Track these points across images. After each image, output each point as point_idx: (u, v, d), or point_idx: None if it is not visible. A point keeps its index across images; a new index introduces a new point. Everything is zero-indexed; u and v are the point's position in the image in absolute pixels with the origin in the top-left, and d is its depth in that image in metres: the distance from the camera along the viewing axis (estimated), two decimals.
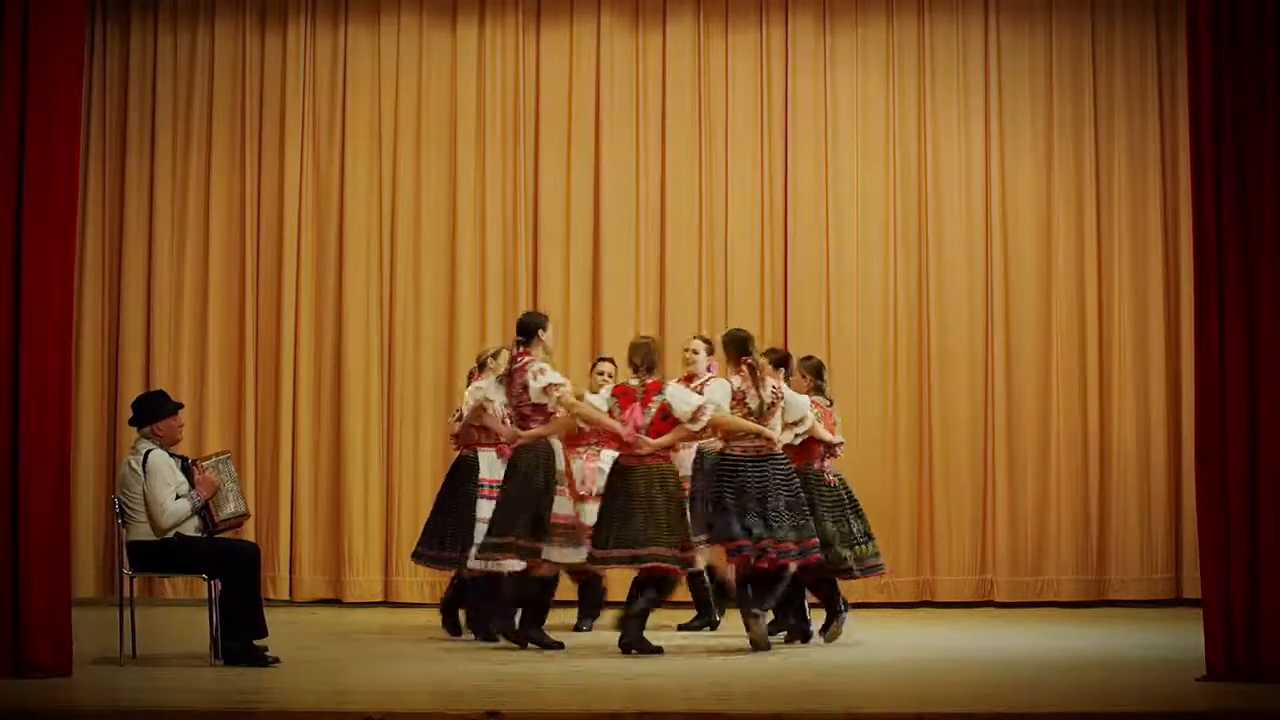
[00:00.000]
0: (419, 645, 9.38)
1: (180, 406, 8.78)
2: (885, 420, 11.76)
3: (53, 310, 7.75)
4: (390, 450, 11.84)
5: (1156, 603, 11.54)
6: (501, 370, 9.43)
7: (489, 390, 9.47)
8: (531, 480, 9.07)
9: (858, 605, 10.14)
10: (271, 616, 8.58)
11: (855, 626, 9.60)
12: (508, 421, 9.29)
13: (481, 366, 9.78)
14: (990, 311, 11.90)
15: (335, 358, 11.91)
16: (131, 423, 8.70)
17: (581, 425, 9.27)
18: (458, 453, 9.77)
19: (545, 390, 9.03)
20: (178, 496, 8.40)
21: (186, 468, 8.55)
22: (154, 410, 8.63)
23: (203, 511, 8.47)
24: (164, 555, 8.42)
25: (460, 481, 9.61)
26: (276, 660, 8.31)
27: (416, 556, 9.80)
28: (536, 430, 9.10)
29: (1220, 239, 7.65)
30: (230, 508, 8.59)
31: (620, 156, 11.99)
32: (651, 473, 8.91)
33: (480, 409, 9.50)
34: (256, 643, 8.34)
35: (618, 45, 12.05)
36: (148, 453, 8.46)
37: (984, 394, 11.85)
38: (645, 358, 9.04)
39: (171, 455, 8.54)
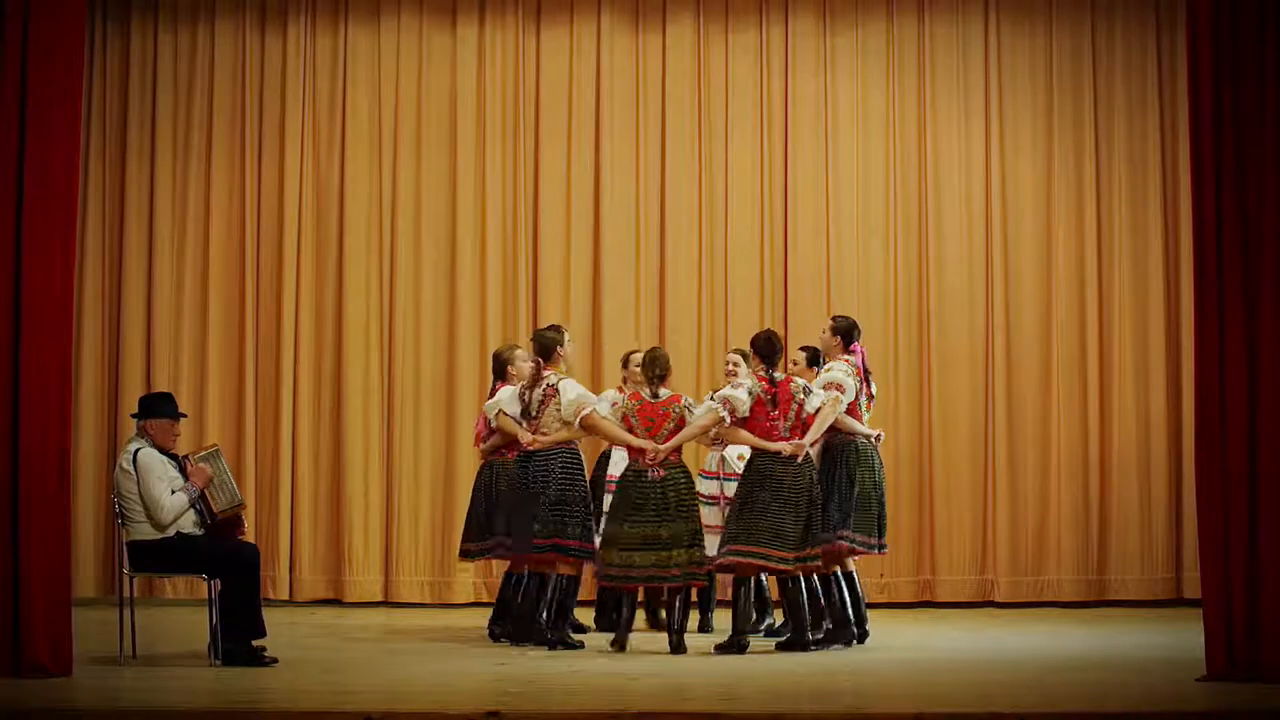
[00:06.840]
0: (419, 645, 9.39)
1: (182, 415, 8.78)
2: (885, 420, 11.70)
3: (53, 310, 7.76)
4: (390, 450, 11.84)
5: (1156, 603, 11.54)
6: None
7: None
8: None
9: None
10: (271, 616, 8.59)
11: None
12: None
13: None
14: (990, 311, 11.89)
15: (335, 358, 11.90)
16: (133, 415, 8.77)
17: None
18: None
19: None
20: (173, 491, 8.41)
21: (179, 465, 8.55)
22: (151, 408, 8.65)
23: (199, 504, 8.48)
24: (164, 555, 8.42)
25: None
26: (275, 660, 8.31)
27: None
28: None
29: (1220, 239, 7.65)
30: (226, 497, 8.59)
31: (620, 156, 11.98)
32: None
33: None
34: (255, 643, 8.35)
35: (618, 45, 12.04)
36: (137, 451, 8.46)
37: (984, 393, 11.84)
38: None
39: (163, 453, 8.54)
